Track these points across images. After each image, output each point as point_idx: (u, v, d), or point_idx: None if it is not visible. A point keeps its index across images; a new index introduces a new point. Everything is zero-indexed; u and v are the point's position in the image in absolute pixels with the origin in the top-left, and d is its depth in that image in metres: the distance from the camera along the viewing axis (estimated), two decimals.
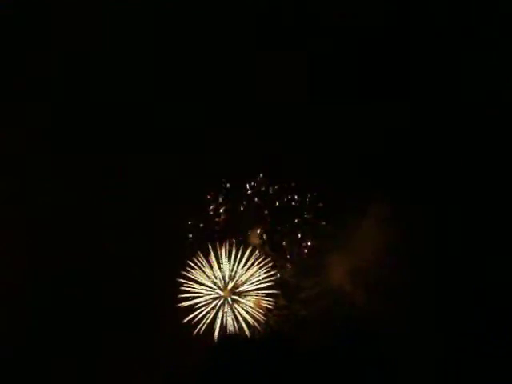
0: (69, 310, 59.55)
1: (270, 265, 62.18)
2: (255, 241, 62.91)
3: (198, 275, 61.95)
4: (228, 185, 63.54)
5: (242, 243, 62.54)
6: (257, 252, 62.25)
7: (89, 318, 59.51)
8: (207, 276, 62.00)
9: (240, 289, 61.85)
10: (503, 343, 49.06)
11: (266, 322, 60.73)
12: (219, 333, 61.08)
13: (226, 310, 61.44)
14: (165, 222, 62.56)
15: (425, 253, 53.53)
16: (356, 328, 53.71)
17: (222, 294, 61.88)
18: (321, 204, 61.58)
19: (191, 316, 61.29)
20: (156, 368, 59.60)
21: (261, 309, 61.03)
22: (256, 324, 60.95)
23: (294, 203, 62.71)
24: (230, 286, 61.67)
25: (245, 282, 61.91)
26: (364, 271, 56.21)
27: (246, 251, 61.97)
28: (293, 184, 62.66)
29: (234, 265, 61.91)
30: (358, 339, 52.69)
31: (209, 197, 63.62)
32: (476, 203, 53.60)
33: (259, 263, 61.96)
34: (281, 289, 61.20)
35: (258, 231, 62.93)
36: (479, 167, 54.29)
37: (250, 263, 61.94)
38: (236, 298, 61.67)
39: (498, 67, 54.64)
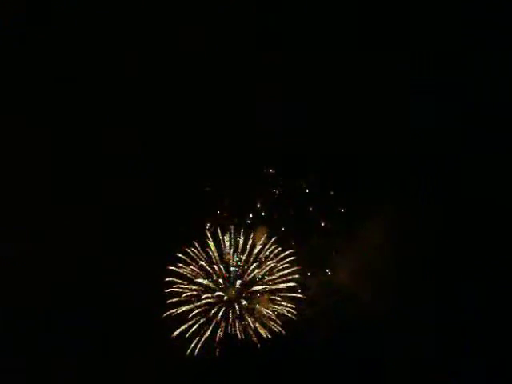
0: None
1: (290, 259, 46.12)
2: (261, 240, 47.35)
3: (192, 271, 46.02)
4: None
5: (252, 231, 46.68)
6: (272, 242, 46.33)
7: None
8: (205, 272, 46.05)
9: (251, 289, 45.62)
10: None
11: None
12: (221, 351, 44.57)
13: (231, 319, 45.11)
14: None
15: (431, 253, 49.32)
16: (361, 328, 47.31)
17: (225, 296, 45.60)
18: (329, 205, 50.47)
19: (182, 328, 45.09)
20: None
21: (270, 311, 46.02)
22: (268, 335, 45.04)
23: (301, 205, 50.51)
24: (237, 285, 45.36)
25: (258, 280, 45.72)
26: (370, 271, 49.03)
27: (258, 239, 45.97)
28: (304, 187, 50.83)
29: (241, 258, 46.03)
30: (363, 339, 47.01)
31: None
32: (481, 204, 49.95)
33: (276, 256, 45.92)
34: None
35: (264, 230, 47.80)
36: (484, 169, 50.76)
37: (263, 255, 45.99)
38: (245, 302, 45.35)
39: None
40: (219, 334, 45.31)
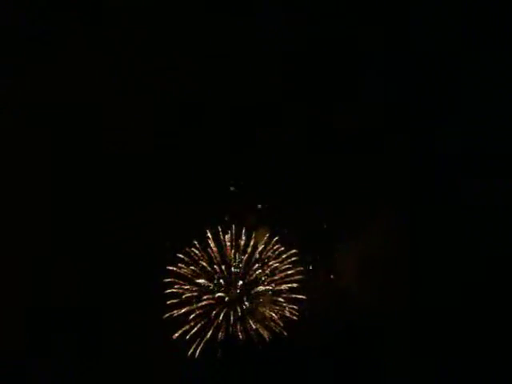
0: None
1: (293, 259, 45.34)
2: (263, 240, 46.22)
3: (192, 272, 45.14)
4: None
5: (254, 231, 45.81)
6: (274, 242, 45.48)
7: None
8: (206, 273, 45.11)
9: (252, 291, 44.85)
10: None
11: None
12: (222, 352, 43.89)
13: (232, 321, 44.33)
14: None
15: (434, 256, 48.58)
16: (360, 329, 46.62)
17: (226, 297, 44.72)
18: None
19: (183, 329, 44.25)
20: None
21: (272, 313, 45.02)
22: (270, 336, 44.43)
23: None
24: (239, 286, 44.60)
25: (260, 281, 44.95)
26: (372, 273, 48.18)
27: (260, 240, 45.08)
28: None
29: (243, 259, 45.17)
30: (364, 340, 46.41)
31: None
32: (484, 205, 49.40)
33: (278, 256, 45.11)
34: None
35: (266, 230, 46.63)
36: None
37: (265, 256, 45.19)
38: (247, 303, 44.60)
39: None
40: (220, 335, 44.68)
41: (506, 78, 49.93)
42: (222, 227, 45.67)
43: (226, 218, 45.59)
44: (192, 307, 44.58)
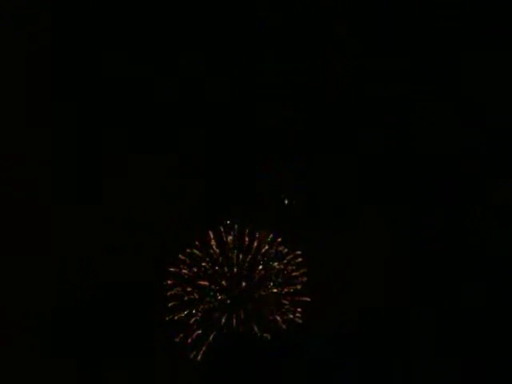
0: None
1: (297, 260, 45.04)
2: (265, 241, 45.56)
3: (194, 274, 44.55)
4: None
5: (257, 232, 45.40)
6: (277, 243, 45.13)
7: None
8: (208, 274, 44.46)
9: (255, 292, 44.51)
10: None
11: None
12: (224, 354, 43.59)
13: (235, 323, 43.94)
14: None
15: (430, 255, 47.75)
16: (363, 330, 45.76)
17: (228, 299, 44.23)
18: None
19: (184, 332, 43.92)
20: None
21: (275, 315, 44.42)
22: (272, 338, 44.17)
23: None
24: (241, 288, 44.27)
25: (263, 282, 44.56)
26: (369, 273, 47.27)
27: (263, 241, 44.72)
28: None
29: (245, 260, 44.75)
30: (365, 341, 45.53)
31: None
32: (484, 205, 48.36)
33: (282, 258, 44.79)
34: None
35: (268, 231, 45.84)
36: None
37: (268, 257, 44.83)
38: (249, 305, 44.26)
39: None
40: (222, 337, 44.41)
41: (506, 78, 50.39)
42: (224, 227, 45.36)
43: (229, 219, 45.45)
44: (193, 310, 44.21)
